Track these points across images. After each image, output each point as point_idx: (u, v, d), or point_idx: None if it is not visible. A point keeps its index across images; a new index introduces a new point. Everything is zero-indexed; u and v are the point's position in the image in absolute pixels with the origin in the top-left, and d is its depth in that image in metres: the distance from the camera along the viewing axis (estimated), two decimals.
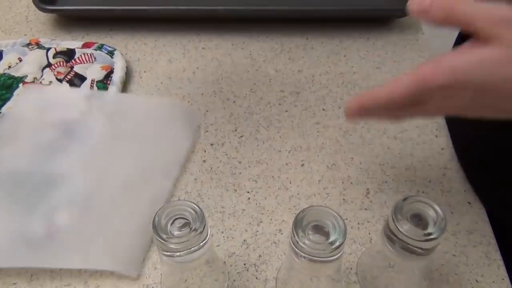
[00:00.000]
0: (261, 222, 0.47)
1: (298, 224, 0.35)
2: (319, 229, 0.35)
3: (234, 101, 0.57)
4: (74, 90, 0.57)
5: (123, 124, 0.54)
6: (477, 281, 0.43)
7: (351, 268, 0.44)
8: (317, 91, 0.58)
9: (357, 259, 0.45)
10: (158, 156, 0.51)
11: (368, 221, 0.47)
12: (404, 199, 0.36)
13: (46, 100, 0.55)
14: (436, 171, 0.51)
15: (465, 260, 0.44)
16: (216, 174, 0.51)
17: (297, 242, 0.34)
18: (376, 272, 0.43)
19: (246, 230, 0.46)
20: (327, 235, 0.35)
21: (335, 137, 0.54)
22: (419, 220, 0.36)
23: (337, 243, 0.34)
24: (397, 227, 0.35)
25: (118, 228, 0.46)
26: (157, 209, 0.35)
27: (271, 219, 0.47)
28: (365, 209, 0.48)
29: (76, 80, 0.57)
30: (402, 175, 0.50)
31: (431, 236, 0.35)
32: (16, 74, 0.58)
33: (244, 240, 0.45)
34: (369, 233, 0.46)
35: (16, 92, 0.56)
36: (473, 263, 0.44)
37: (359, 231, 0.46)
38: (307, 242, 0.34)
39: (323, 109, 0.56)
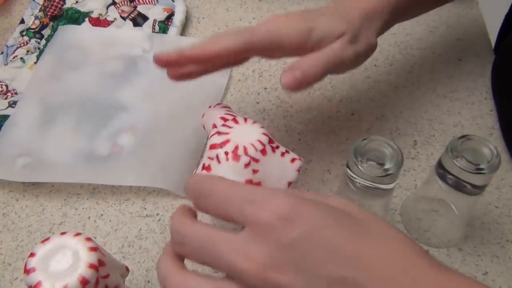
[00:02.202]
0: (310, 161, 0.49)
1: (358, 149, 0.37)
2: (377, 159, 0.37)
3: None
4: (137, 29, 0.59)
5: None
6: None
7: (396, 210, 0.46)
8: None
9: (402, 202, 0.46)
10: (201, 92, 0.54)
11: (414, 169, 0.48)
12: (459, 138, 0.38)
13: (110, 37, 0.58)
14: (483, 130, 0.52)
15: (507, 212, 0.46)
16: (268, 115, 0.53)
17: (355, 165, 0.36)
18: (420, 214, 0.45)
19: None
20: (383, 165, 0.37)
21: (385, 91, 0.55)
22: (472, 158, 0.37)
23: (392, 171, 0.36)
24: (452, 161, 0.36)
25: (169, 152, 0.49)
26: (200, 138, 0.39)
27: (320, 159, 0.49)
28: (412, 158, 0.49)
29: (139, 19, 0.60)
30: (449, 131, 0.51)
31: (483, 171, 0.36)
32: (83, 9, 0.61)
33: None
34: (414, 180, 0.48)
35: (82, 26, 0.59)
36: None
37: (404, 177, 0.48)
38: (365, 166, 0.36)
39: (375, 65, 0.58)
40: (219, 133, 0.39)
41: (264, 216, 0.26)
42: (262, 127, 0.41)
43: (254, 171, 0.39)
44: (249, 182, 0.39)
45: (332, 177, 0.48)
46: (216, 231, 0.27)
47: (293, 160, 0.41)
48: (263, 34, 0.39)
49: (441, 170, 0.38)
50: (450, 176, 0.38)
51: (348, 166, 0.38)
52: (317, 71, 0.39)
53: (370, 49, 0.43)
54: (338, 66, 0.41)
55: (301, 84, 0.38)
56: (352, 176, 0.38)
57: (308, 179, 0.48)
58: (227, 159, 0.38)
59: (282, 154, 0.40)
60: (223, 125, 0.40)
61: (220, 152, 0.38)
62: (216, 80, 0.55)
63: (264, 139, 0.39)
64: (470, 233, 0.44)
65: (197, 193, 0.29)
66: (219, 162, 0.39)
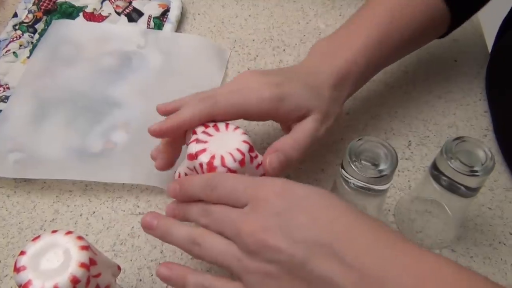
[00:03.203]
0: (304, 161, 0.49)
1: (352, 149, 0.37)
2: (371, 160, 0.37)
3: (284, 49, 0.59)
4: (132, 25, 0.59)
5: (174, 60, 0.56)
6: (510, 234, 0.44)
7: (389, 210, 0.46)
8: None
9: (396, 202, 0.46)
10: (196, 89, 0.53)
11: (408, 170, 0.48)
12: (454, 139, 0.38)
13: (105, 32, 0.58)
14: (478, 131, 0.52)
15: (500, 214, 0.46)
16: None
17: (349, 165, 0.36)
18: (414, 215, 0.45)
19: None
20: (377, 166, 0.37)
21: (380, 91, 0.55)
22: (466, 160, 0.37)
23: (386, 172, 0.36)
24: (447, 162, 0.36)
25: None
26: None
27: (314, 159, 0.49)
28: (406, 158, 0.49)
29: (134, 14, 0.59)
30: (444, 132, 0.51)
31: (477, 173, 0.36)
32: (77, 4, 0.60)
33: (288, 175, 0.47)
34: (408, 181, 0.48)
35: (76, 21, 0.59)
36: (507, 217, 0.45)
37: (398, 178, 0.48)
38: (358, 166, 0.36)
39: None
40: (197, 140, 0.38)
41: (262, 193, 0.33)
42: (244, 133, 0.39)
43: None
44: None
45: (327, 177, 0.48)
46: (225, 207, 0.34)
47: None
48: (225, 105, 0.39)
49: (436, 172, 0.38)
50: (444, 178, 0.38)
51: (342, 166, 0.38)
52: (299, 154, 0.40)
53: (338, 119, 0.44)
54: (313, 146, 0.41)
55: (285, 167, 0.39)
56: (346, 177, 0.37)
57: (302, 178, 0.48)
58: (203, 171, 0.37)
59: (258, 166, 0.39)
60: (203, 132, 0.38)
61: (196, 163, 0.37)
62: (210, 77, 0.55)
63: (244, 148, 0.38)
64: (463, 234, 0.45)
65: (204, 187, 0.35)
66: (197, 172, 0.38)
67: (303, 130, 0.41)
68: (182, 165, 0.40)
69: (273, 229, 0.31)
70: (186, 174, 0.39)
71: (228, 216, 0.34)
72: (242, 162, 0.37)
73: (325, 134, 0.42)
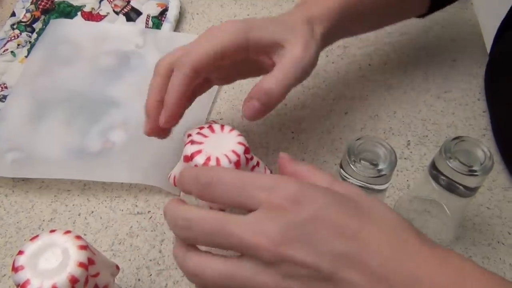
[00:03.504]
0: (303, 160, 0.49)
1: (351, 149, 0.37)
2: (370, 160, 0.37)
3: None
4: (130, 24, 0.59)
5: None
6: (509, 233, 0.44)
7: None
8: (364, 47, 0.59)
9: (395, 202, 0.46)
10: None
11: (407, 169, 0.49)
12: (453, 139, 0.38)
13: (103, 32, 0.57)
14: (476, 131, 0.52)
15: (498, 214, 0.46)
16: None
17: (348, 165, 0.36)
18: (413, 215, 0.45)
19: None
20: (376, 166, 0.37)
21: (379, 91, 0.55)
22: (465, 159, 0.37)
23: (385, 172, 0.36)
24: (446, 162, 0.36)
25: (161, 149, 0.48)
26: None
27: (313, 158, 0.49)
28: (405, 158, 0.49)
29: (132, 14, 0.59)
30: (443, 131, 0.51)
31: (476, 173, 0.36)
32: (75, 3, 0.60)
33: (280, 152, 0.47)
34: (407, 180, 0.48)
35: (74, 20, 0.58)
36: (506, 216, 0.45)
37: (397, 177, 0.48)
38: (358, 166, 0.36)
39: (369, 64, 0.58)
40: (192, 142, 0.37)
41: (277, 199, 0.29)
42: (239, 135, 0.38)
43: None
44: None
45: None
46: (224, 214, 0.30)
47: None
48: (199, 53, 0.39)
49: (434, 171, 0.38)
50: (443, 177, 0.38)
51: (341, 166, 0.38)
52: (283, 87, 0.39)
53: (313, 61, 0.42)
54: (299, 78, 0.40)
55: (266, 109, 0.39)
56: (345, 176, 0.37)
57: None
58: None
59: (253, 167, 0.38)
60: (198, 133, 0.38)
61: (191, 164, 0.36)
62: None
63: (239, 149, 0.37)
64: (462, 234, 0.45)
65: (202, 183, 0.31)
66: None
67: (284, 61, 0.39)
68: (177, 167, 0.40)
69: (294, 241, 0.28)
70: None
71: (229, 226, 0.29)
72: (237, 164, 0.37)
73: (309, 66, 0.40)
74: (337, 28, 0.44)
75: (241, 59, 0.41)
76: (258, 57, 0.41)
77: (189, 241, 0.31)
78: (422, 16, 0.53)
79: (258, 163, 0.39)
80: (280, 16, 0.43)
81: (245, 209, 0.30)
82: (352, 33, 0.50)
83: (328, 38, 0.44)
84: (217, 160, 0.36)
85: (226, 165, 0.36)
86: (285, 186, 0.30)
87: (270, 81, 0.39)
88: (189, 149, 0.37)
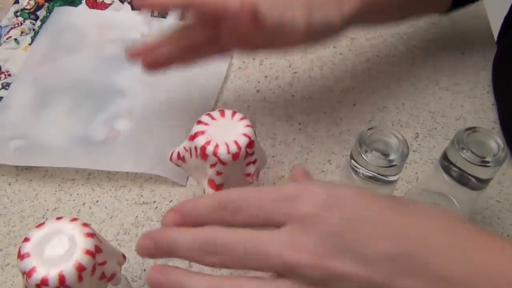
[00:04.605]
0: (311, 151, 0.48)
1: (363, 138, 0.36)
2: (382, 150, 0.37)
3: None
4: (136, 13, 0.58)
5: None
6: None
7: None
8: (371, 39, 0.59)
9: (403, 194, 0.46)
10: (201, 79, 0.53)
11: (415, 162, 0.48)
12: (465, 130, 0.37)
13: (108, 20, 0.57)
14: (485, 124, 0.51)
15: (508, 207, 0.45)
16: (269, 104, 0.52)
17: (359, 155, 0.35)
18: None
19: (296, 157, 0.48)
20: (388, 156, 0.36)
21: (387, 83, 0.54)
22: (478, 150, 0.36)
23: (396, 162, 0.36)
24: (458, 153, 0.36)
25: (167, 138, 0.48)
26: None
27: (321, 150, 0.48)
28: (413, 151, 0.49)
29: None
30: (452, 124, 0.51)
31: (488, 164, 0.35)
32: None
33: (294, 166, 0.47)
34: (416, 173, 0.47)
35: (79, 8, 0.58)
36: None
37: (406, 170, 0.47)
38: (369, 155, 0.35)
39: (377, 56, 0.57)
40: (199, 122, 0.37)
41: (303, 208, 0.26)
42: (249, 125, 0.37)
43: (218, 173, 0.36)
44: (211, 182, 0.37)
45: (333, 168, 0.47)
46: (251, 232, 0.26)
47: (249, 174, 0.38)
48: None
49: (446, 162, 0.38)
50: (454, 169, 0.37)
51: (351, 157, 0.37)
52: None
53: (327, 27, 0.40)
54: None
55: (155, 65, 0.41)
56: (356, 166, 0.37)
57: (309, 169, 0.47)
58: (196, 156, 0.36)
59: (249, 163, 0.37)
60: (207, 114, 0.37)
61: (193, 144, 0.36)
62: (216, 67, 0.54)
63: (243, 141, 0.36)
64: None
65: (227, 211, 0.27)
66: (190, 155, 0.37)
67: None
68: (180, 145, 0.39)
69: (336, 252, 0.25)
70: (179, 154, 0.39)
71: (263, 245, 0.25)
72: (235, 156, 0.35)
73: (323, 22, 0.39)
74: (364, 12, 0.42)
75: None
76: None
77: (214, 267, 0.27)
78: (444, 12, 0.51)
79: (255, 162, 0.38)
80: None
81: (273, 226, 0.27)
82: (372, 24, 0.49)
83: (354, 20, 0.42)
84: (216, 145, 0.35)
85: (223, 155, 0.35)
86: (311, 192, 0.26)
87: None
88: (194, 128, 0.37)
